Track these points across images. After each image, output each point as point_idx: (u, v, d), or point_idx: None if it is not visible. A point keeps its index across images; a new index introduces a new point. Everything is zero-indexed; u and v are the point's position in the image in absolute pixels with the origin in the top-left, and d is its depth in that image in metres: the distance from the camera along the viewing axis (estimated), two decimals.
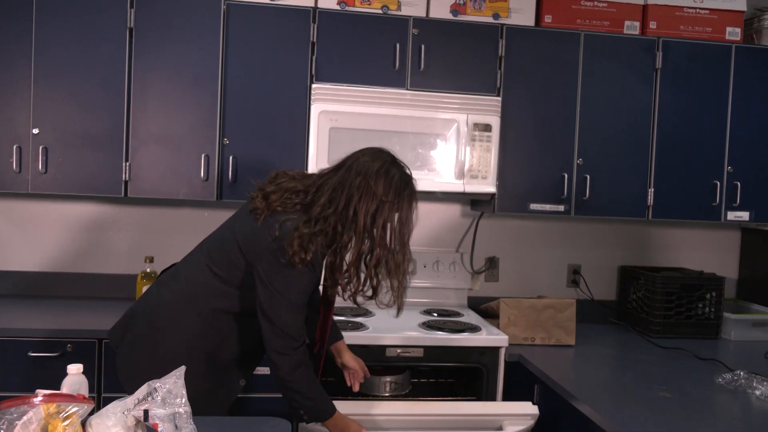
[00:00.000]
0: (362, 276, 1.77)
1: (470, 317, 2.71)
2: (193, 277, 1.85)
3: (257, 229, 1.75)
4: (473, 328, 2.49)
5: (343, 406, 1.91)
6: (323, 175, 1.80)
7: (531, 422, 2.10)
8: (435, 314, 2.73)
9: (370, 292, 1.80)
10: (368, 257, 1.75)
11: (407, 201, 1.77)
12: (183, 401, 1.31)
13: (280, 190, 1.78)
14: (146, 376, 1.35)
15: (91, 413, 1.29)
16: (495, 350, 2.40)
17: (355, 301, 1.83)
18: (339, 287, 1.84)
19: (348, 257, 1.78)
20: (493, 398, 2.38)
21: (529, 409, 2.10)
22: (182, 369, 1.35)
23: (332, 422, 1.82)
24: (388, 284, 1.78)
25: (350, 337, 2.33)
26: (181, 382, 1.32)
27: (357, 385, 2.08)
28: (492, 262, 3.04)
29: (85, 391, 1.37)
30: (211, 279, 1.81)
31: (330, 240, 1.75)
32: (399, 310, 1.81)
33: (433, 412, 2.08)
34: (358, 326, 2.44)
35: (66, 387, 1.37)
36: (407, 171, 1.81)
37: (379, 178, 1.73)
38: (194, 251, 1.93)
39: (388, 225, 1.74)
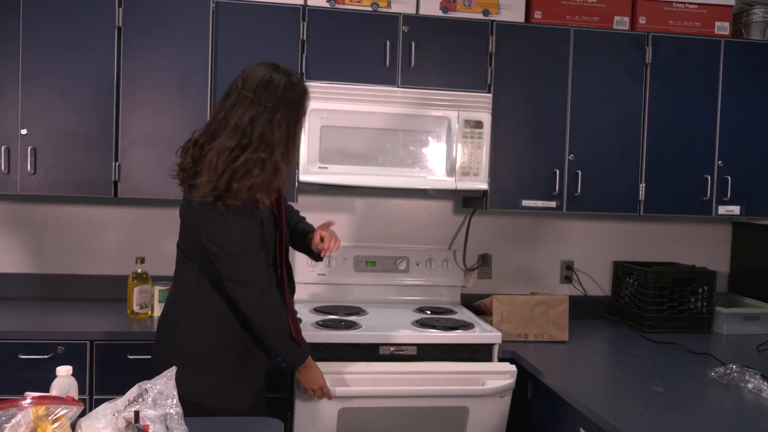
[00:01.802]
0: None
1: (463, 314, 2.71)
2: (180, 272, 1.91)
3: (188, 201, 1.78)
4: (466, 326, 2.49)
5: (330, 366, 2.13)
6: (216, 112, 1.79)
7: (511, 380, 2.25)
8: (428, 312, 2.73)
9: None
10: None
11: (294, 104, 1.77)
12: (174, 402, 1.30)
13: (191, 152, 1.79)
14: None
15: (82, 415, 1.28)
16: (488, 347, 2.40)
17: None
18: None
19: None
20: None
21: (508, 367, 2.27)
22: (173, 369, 1.34)
23: (302, 369, 1.97)
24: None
25: (343, 336, 2.33)
26: (172, 382, 1.31)
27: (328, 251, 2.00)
28: (485, 259, 3.04)
29: (74, 393, 1.36)
30: (193, 267, 1.85)
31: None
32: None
33: (418, 370, 2.22)
34: (351, 325, 2.44)
35: (55, 389, 1.36)
36: (294, 77, 1.80)
37: (259, 87, 1.73)
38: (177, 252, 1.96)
39: (275, 128, 1.72)
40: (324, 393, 2.04)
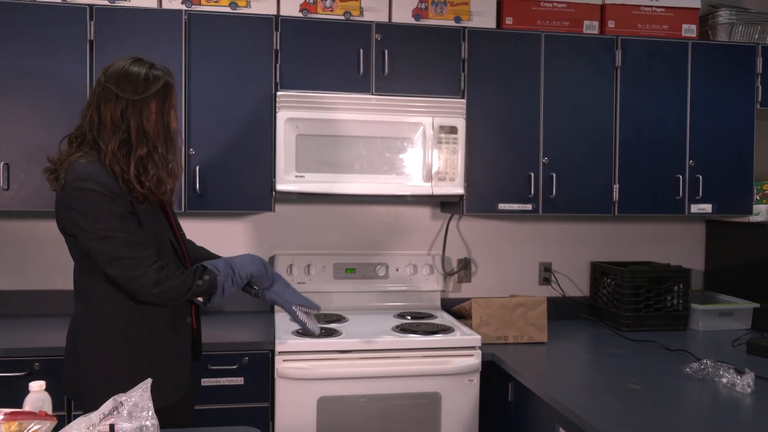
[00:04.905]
0: (150, 172, 1.75)
1: (443, 319, 2.73)
2: (77, 283, 1.90)
3: (58, 198, 1.75)
4: (446, 330, 2.50)
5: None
6: (86, 109, 1.79)
7: (477, 360, 2.39)
8: (408, 317, 2.74)
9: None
10: (138, 155, 1.74)
11: (156, 96, 1.77)
12: (150, 414, 1.29)
13: (60, 153, 1.79)
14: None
15: (57, 430, 1.27)
16: (468, 350, 2.41)
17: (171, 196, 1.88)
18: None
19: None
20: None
21: (473, 337, 2.44)
22: (148, 381, 1.34)
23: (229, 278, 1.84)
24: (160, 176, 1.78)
25: (324, 343, 2.33)
26: (148, 394, 1.30)
27: None
28: (464, 263, 3.06)
29: (48, 408, 1.35)
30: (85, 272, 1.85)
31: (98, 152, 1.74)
32: (171, 194, 1.86)
33: (391, 347, 2.36)
34: (332, 332, 2.44)
35: (28, 404, 1.35)
36: (157, 69, 1.81)
37: (120, 79, 1.74)
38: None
39: (142, 121, 1.74)
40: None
